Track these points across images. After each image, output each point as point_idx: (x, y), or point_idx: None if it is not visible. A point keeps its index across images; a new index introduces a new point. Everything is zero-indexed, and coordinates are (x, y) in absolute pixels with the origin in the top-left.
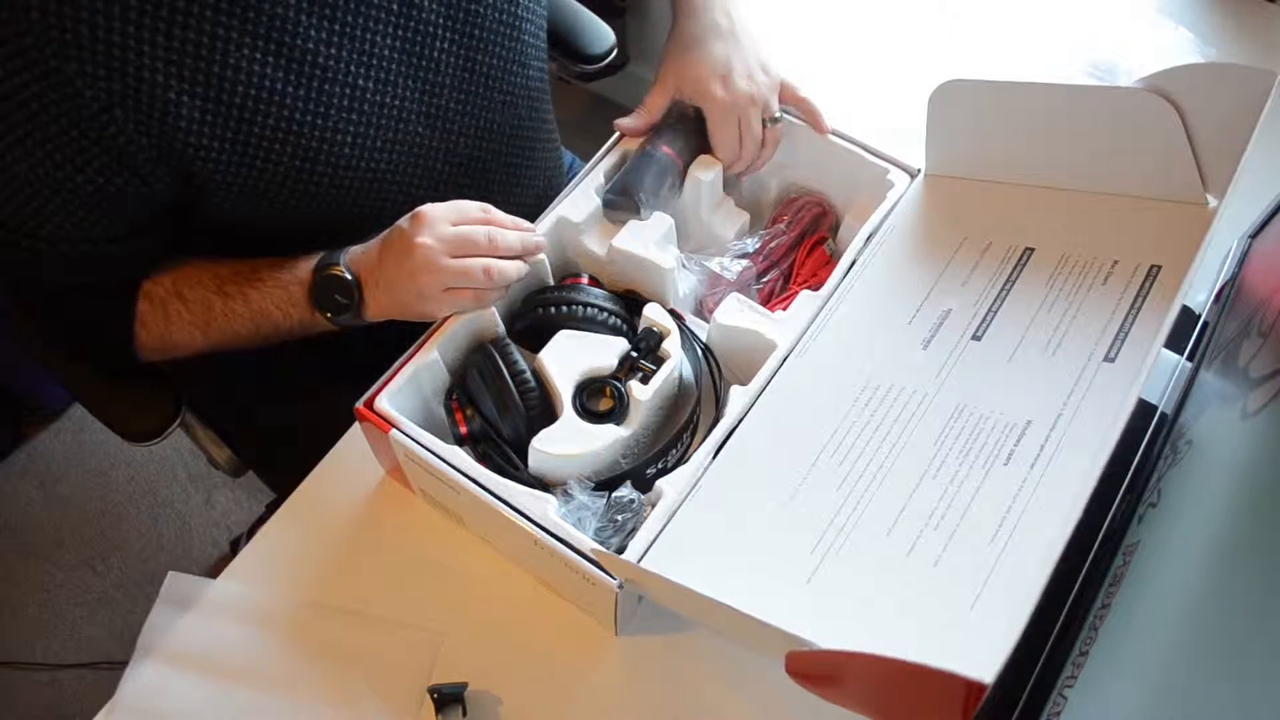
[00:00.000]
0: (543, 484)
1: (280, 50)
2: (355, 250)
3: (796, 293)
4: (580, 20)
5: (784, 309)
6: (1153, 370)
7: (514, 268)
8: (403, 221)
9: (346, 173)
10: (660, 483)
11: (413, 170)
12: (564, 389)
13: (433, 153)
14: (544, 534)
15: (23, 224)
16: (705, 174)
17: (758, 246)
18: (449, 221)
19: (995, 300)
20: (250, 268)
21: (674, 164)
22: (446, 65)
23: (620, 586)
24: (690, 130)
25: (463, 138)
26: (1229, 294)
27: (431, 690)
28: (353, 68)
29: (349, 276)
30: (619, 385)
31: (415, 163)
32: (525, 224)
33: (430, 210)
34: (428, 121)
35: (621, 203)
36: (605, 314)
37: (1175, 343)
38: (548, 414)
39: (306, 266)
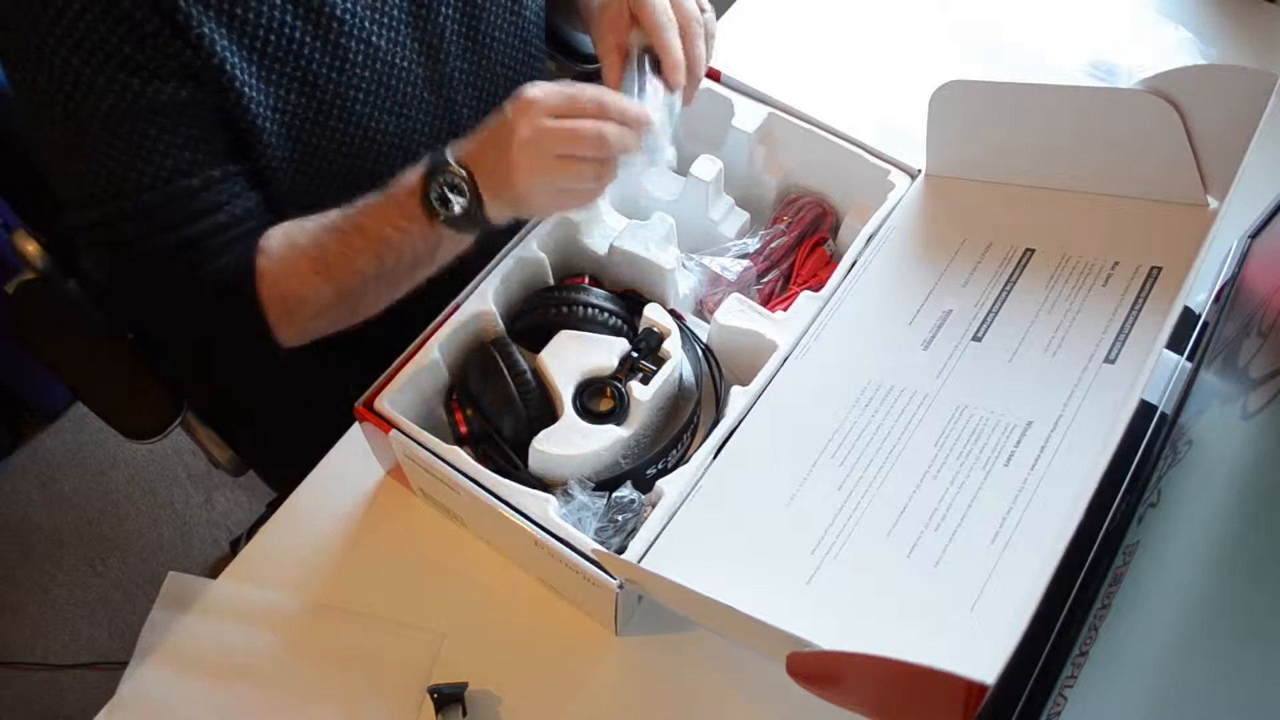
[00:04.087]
0: (543, 484)
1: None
2: (462, 142)
3: (797, 293)
4: None
5: (784, 309)
6: (1153, 372)
7: (630, 136)
8: (509, 108)
9: (357, 130)
10: (660, 483)
11: (418, 136)
12: (564, 389)
13: (438, 120)
14: (544, 534)
15: (126, 179)
16: (706, 174)
17: (758, 247)
18: (553, 113)
19: (996, 301)
20: (359, 203)
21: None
22: (451, 33)
23: (620, 586)
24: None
25: (466, 108)
26: (1229, 294)
27: (431, 690)
28: (367, 24)
29: (456, 164)
30: (619, 385)
31: (420, 128)
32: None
33: (534, 95)
34: (433, 87)
35: None
36: (605, 314)
37: (1175, 343)
38: (548, 414)
39: (416, 175)
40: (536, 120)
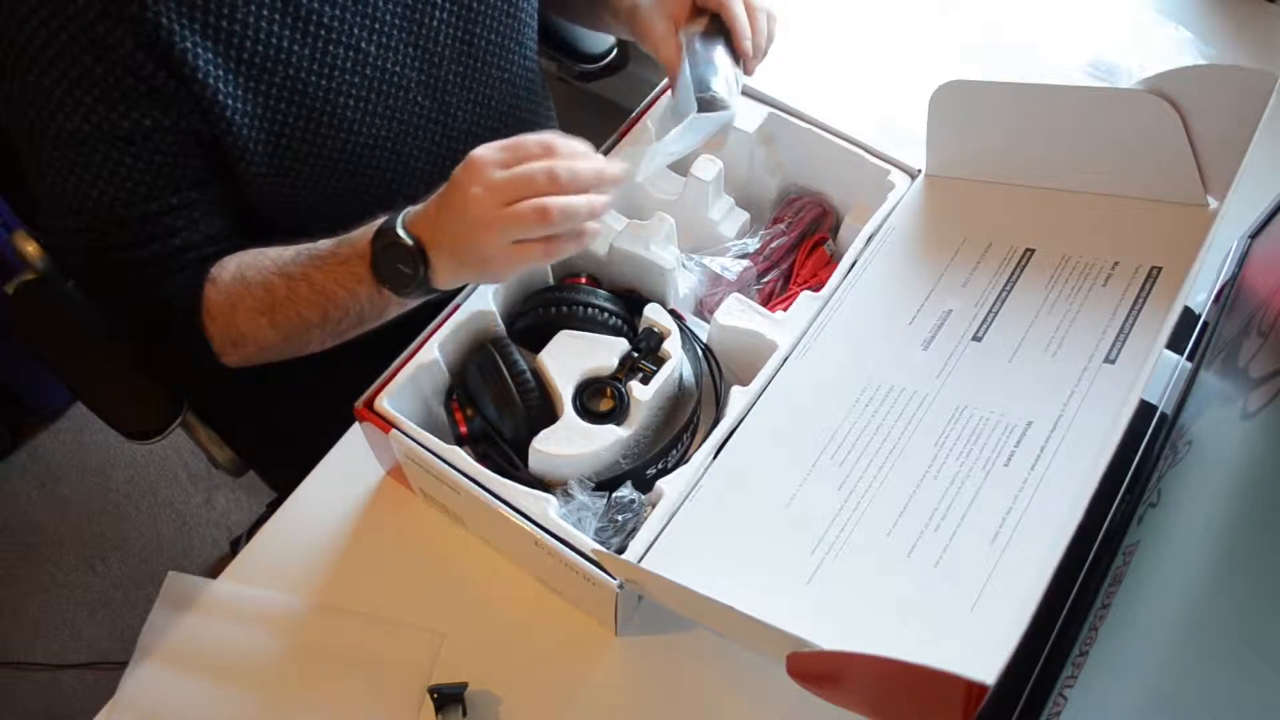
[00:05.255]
0: (543, 484)
1: (286, 7)
2: (414, 211)
3: (797, 293)
4: None
5: (784, 309)
6: (1153, 372)
7: (582, 203)
8: (457, 171)
9: (348, 137)
10: (660, 483)
11: (411, 141)
12: (564, 389)
13: (431, 124)
14: (544, 534)
15: (88, 197)
16: (706, 173)
17: (758, 247)
18: (500, 165)
19: (996, 301)
20: (312, 248)
21: (718, 43)
22: (445, 36)
23: (620, 586)
24: (711, 31)
25: (460, 111)
26: (1229, 294)
27: (431, 690)
28: (356, 30)
29: (409, 241)
30: (619, 385)
31: (414, 133)
32: (597, 156)
33: (480, 153)
34: (427, 92)
35: (703, 101)
36: (605, 314)
37: (1175, 343)
38: (548, 414)
39: (364, 238)
40: (485, 175)
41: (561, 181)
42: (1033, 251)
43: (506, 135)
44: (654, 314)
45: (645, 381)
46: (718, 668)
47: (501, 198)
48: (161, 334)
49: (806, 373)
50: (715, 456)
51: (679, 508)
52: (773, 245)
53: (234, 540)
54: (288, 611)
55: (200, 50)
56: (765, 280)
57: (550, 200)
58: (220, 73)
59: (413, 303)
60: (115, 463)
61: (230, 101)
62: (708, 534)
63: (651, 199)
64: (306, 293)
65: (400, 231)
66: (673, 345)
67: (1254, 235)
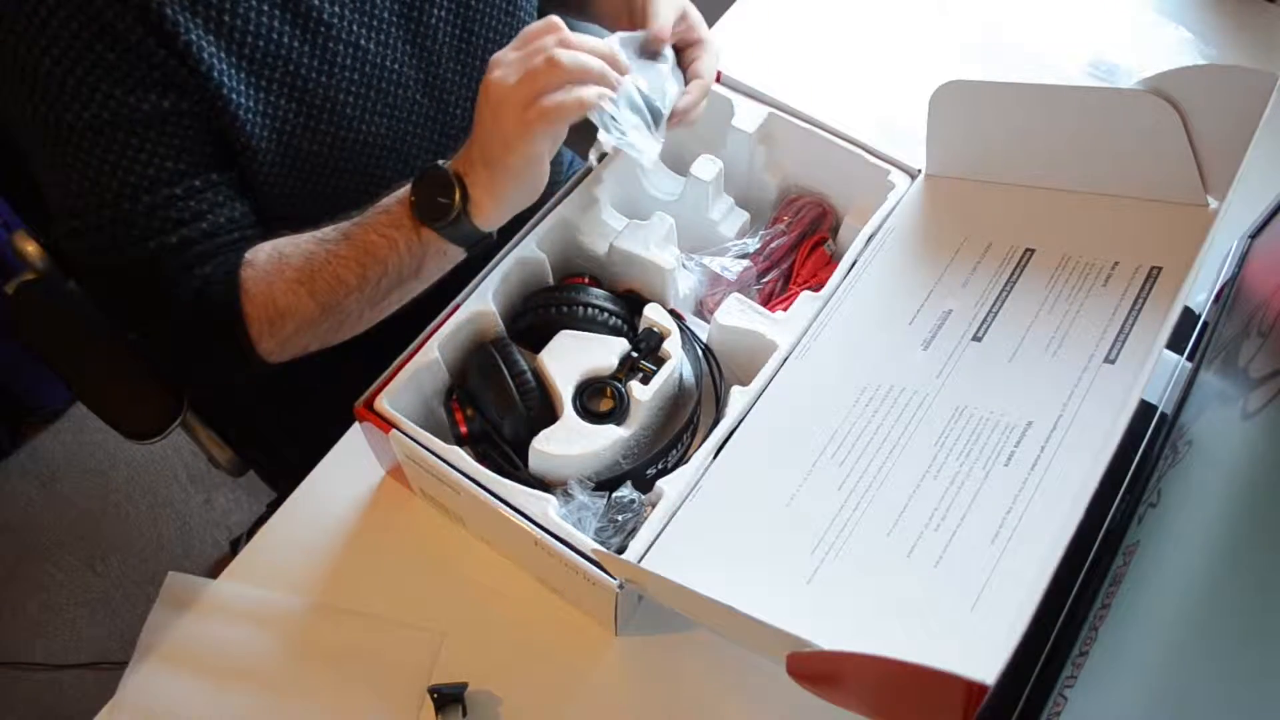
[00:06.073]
0: (543, 484)
1: (286, 3)
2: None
3: (797, 293)
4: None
5: (784, 309)
6: (1153, 372)
7: (585, 56)
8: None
9: (348, 134)
10: (660, 483)
11: (410, 138)
12: (564, 389)
13: (430, 122)
14: (544, 534)
15: (108, 188)
16: (706, 173)
17: (758, 247)
18: (511, 50)
19: (996, 301)
20: (354, 215)
21: (671, 64)
22: (443, 34)
23: (620, 586)
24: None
25: (459, 109)
26: (1229, 294)
27: (431, 690)
28: (355, 27)
29: (447, 169)
30: (619, 385)
31: (413, 130)
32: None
33: (494, 58)
34: (425, 90)
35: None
36: (605, 314)
37: (1175, 343)
38: (548, 414)
39: (406, 184)
40: (500, 63)
41: (566, 41)
42: (1033, 251)
43: None
44: (654, 314)
45: (645, 381)
46: (718, 668)
47: (516, 71)
48: (173, 332)
49: (806, 373)
50: (715, 456)
51: (679, 508)
52: (773, 245)
53: (234, 540)
54: (288, 611)
55: (204, 44)
56: (765, 280)
57: (554, 51)
58: (225, 67)
59: (452, 254)
60: (115, 463)
61: (236, 98)
62: (708, 534)
63: (651, 199)
64: (345, 251)
65: (439, 162)
66: (673, 345)
67: (1254, 235)
